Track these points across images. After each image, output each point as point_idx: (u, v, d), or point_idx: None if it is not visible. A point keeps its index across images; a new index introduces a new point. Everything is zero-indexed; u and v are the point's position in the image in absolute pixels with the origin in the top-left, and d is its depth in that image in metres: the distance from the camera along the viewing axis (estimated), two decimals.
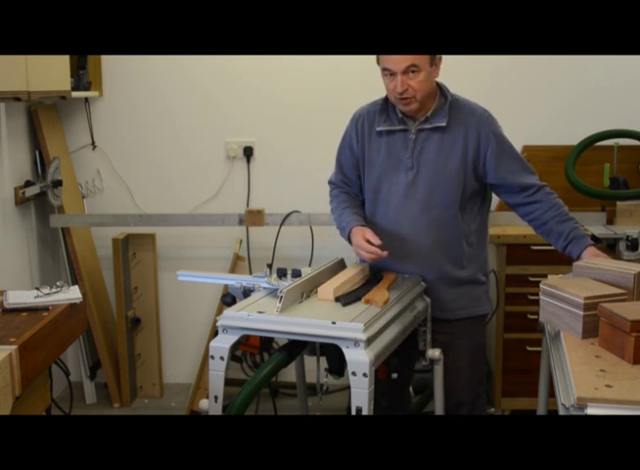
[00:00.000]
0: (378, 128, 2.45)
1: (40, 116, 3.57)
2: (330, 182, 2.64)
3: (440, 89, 2.44)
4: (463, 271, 2.46)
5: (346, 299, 2.14)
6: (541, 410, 2.53)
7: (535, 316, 2.46)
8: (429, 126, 2.40)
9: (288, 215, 3.56)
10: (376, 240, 2.30)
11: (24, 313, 2.09)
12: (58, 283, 2.28)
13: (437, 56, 2.34)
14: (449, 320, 2.46)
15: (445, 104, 2.40)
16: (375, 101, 2.51)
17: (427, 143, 2.40)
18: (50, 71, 3.18)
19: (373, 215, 2.51)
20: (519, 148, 3.68)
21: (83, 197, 3.88)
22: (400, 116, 2.42)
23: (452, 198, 2.41)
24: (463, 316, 2.49)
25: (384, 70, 2.33)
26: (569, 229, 2.41)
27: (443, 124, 2.38)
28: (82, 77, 3.69)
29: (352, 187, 2.57)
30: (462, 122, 2.39)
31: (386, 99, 2.46)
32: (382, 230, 2.46)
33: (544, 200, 2.44)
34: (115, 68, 3.81)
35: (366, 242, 2.31)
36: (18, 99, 2.90)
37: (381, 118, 2.45)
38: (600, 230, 3.37)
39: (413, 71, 2.28)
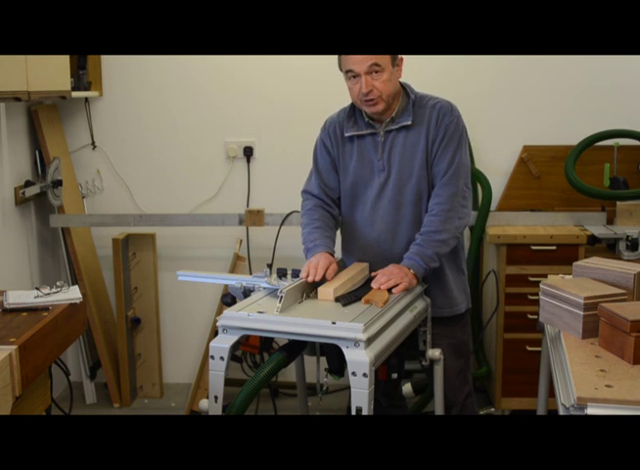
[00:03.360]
0: (347, 134, 2.47)
1: (40, 116, 3.57)
2: (305, 192, 2.58)
3: (404, 89, 2.45)
4: (439, 269, 2.45)
5: (346, 299, 2.14)
6: (541, 410, 2.53)
7: (535, 316, 2.47)
8: (395, 127, 2.42)
9: (288, 215, 3.56)
10: (327, 274, 2.26)
11: (24, 313, 2.09)
12: (58, 283, 2.28)
13: (399, 57, 2.37)
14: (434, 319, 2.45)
15: (409, 103, 2.42)
16: (342, 108, 2.53)
17: (394, 143, 2.42)
18: (50, 71, 3.18)
19: (350, 219, 2.52)
20: (518, 148, 3.72)
21: (83, 197, 3.88)
22: (367, 120, 2.44)
23: (420, 194, 2.42)
24: (445, 315, 2.48)
25: (347, 72, 2.34)
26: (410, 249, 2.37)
27: (409, 123, 2.40)
28: (82, 77, 3.69)
29: (330, 193, 2.54)
30: (424, 118, 2.41)
31: (352, 106, 2.48)
32: (359, 232, 2.50)
33: (426, 222, 2.39)
34: (115, 68, 3.81)
35: (316, 268, 2.26)
36: (18, 99, 2.90)
37: (348, 124, 2.47)
38: (600, 230, 3.38)
39: (376, 72, 2.30)
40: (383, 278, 2.25)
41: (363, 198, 2.48)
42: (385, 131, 2.43)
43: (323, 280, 2.26)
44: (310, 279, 2.25)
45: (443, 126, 2.38)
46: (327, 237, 2.46)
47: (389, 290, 2.22)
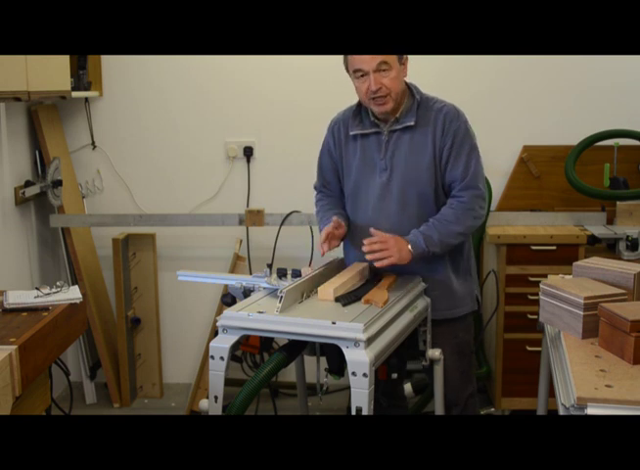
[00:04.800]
0: (351, 132, 2.48)
1: (40, 116, 3.57)
2: (315, 187, 2.68)
3: (410, 89, 2.46)
4: (444, 270, 2.46)
5: (346, 299, 2.14)
6: (541, 410, 2.53)
7: (535, 316, 2.46)
8: (399, 127, 2.42)
9: (288, 215, 3.56)
10: (334, 231, 2.37)
11: (24, 313, 2.09)
12: (58, 283, 2.28)
13: (404, 55, 2.38)
14: (432, 320, 2.45)
15: (414, 103, 2.43)
16: (349, 107, 2.55)
17: (398, 143, 2.43)
18: (50, 71, 3.18)
19: (353, 218, 2.54)
20: (518, 148, 3.71)
21: (83, 197, 3.88)
22: (372, 119, 2.45)
23: (426, 195, 2.43)
24: (447, 317, 2.49)
25: (355, 72, 2.35)
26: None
27: (412, 124, 2.40)
28: (82, 77, 3.69)
29: (333, 191, 2.61)
30: (429, 120, 2.41)
31: (359, 104, 2.49)
32: (362, 231, 2.49)
33: (442, 212, 2.41)
34: (115, 68, 3.81)
35: (330, 233, 2.36)
36: (18, 99, 2.90)
37: (354, 123, 2.49)
38: (600, 230, 3.38)
39: (384, 70, 2.31)
40: (376, 245, 2.26)
41: (365, 197, 2.49)
42: (389, 131, 2.43)
43: (323, 279, 2.26)
44: (321, 240, 2.35)
45: (451, 132, 2.39)
46: (336, 214, 2.50)
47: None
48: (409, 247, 2.30)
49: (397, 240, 2.31)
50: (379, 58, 2.29)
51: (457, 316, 2.51)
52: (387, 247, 2.26)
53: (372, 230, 2.34)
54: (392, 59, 2.32)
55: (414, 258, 2.33)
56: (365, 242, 2.27)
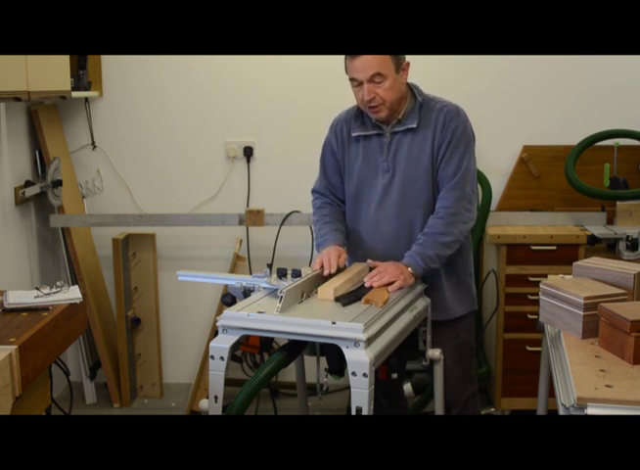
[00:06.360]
0: (353, 134, 2.48)
1: (40, 116, 3.57)
2: (313, 191, 2.64)
3: (411, 90, 2.45)
4: (443, 271, 2.46)
5: (346, 299, 2.14)
6: (541, 410, 2.53)
7: (535, 316, 2.47)
8: (401, 129, 2.42)
9: (288, 215, 3.56)
10: (335, 264, 2.31)
11: (24, 313, 2.09)
12: (58, 283, 2.28)
13: (404, 61, 2.36)
14: (432, 321, 2.45)
15: (416, 105, 2.42)
16: (350, 107, 2.54)
17: (400, 145, 2.43)
18: (50, 71, 3.18)
19: (355, 220, 2.54)
20: (518, 148, 3.72)
21: (83, 197, 3.88)
22: (374, 120, 2.45)
23: (425, 197, 2.42)
24: (446, 318, 2.49)
25: (351, 79, 2.36)
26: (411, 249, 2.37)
27: (414, 126, 2.40)
28: (82, 77, 3.69)
29: (337, 193, 2.58)
30: (430, 121, 2.41)
31: None
32: (363, 234, 2.51)
33: (430, 224, 2.39)
34: (115, 68, 3.81)
35: (328, 260, 2.31)
36: (18, 99, 2.90)
37: (356, 124, 2.49)
38: (600, 230, 3.38)
39: (379, 81, 2.31)
40: (376, 276, 2.25)
41: (367, 199, 2.48)
42: (391, 133, 2.43)
43: (323, 279, 2.26)
44: (326, 272, 2.29)
45: (450, 131, 2.38)
46: (335, 230, 2.49)
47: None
48: (409, 270, 2.30)
49: (396, 265, 2.30)
50: (372, 69, 2.28)
51: (458, 316, 2.51)
52: (386, 274, 2.25)
53: (369, 262, 2.36)
54: (388, 69, 2.30)
55: (418, 278, 2.33)
56: (365, 279, 2.26)
